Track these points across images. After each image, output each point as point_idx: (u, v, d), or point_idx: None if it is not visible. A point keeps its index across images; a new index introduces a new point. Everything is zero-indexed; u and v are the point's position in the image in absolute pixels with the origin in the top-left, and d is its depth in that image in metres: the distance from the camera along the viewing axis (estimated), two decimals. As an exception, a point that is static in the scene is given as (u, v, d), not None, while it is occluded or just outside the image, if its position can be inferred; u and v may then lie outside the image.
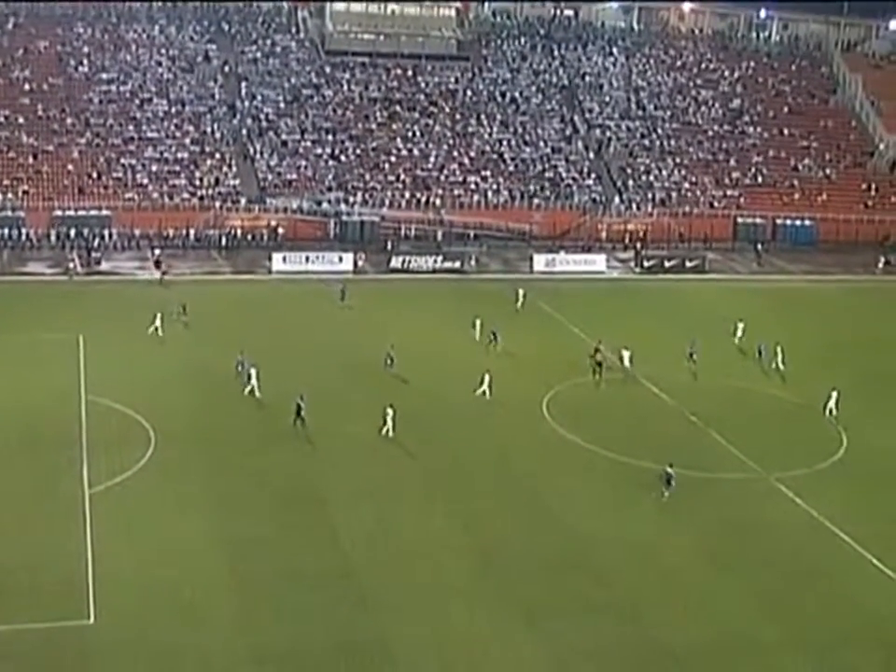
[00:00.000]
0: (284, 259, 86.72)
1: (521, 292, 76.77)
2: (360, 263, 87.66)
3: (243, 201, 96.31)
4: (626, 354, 62.86)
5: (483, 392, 57.09)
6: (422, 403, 55.53)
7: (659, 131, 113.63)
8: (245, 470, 47.57)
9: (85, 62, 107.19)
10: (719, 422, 55.52)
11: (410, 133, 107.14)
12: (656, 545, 42.75)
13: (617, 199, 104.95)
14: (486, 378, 57.22)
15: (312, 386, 55.69)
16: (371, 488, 46.45)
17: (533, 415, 55.90)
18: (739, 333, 69.56)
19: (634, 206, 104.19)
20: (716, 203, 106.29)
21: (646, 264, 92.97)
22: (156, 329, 65.70)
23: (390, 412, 51.33)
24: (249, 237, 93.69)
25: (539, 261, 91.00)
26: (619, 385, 61.49)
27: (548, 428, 54.31)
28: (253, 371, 55.93)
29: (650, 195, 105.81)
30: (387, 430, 51.32)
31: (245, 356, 57.95)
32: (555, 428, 54.21)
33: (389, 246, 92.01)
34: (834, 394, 56.80)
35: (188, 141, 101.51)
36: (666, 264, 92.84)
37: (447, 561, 40.71)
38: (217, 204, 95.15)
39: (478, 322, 67.60)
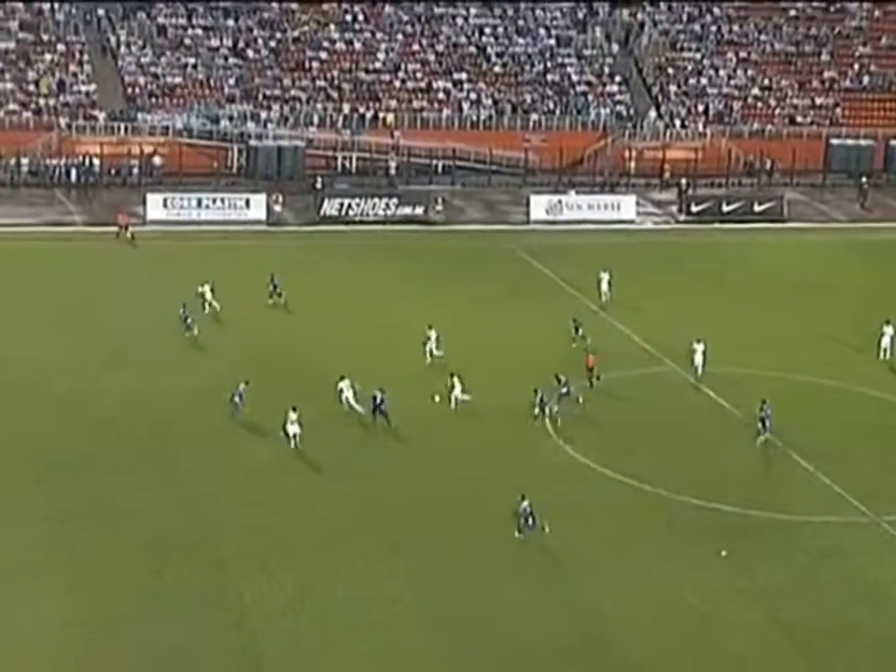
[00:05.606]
0: (164, 202, 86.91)
1: (605, 276, 73.03)
2: (277, 210, 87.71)
3: (101, 116, 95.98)
4: (699, 349, 62.27)
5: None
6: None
7: (715, 11, 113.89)
8: (93, 510, 47.46)
9: None
10: (804, 440, 55.55)
11: (349, 17, 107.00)
12: (716, 621, 42.46)
13: (653, 113, 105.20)
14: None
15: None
16: (285, 541, 46.13)
17: (529, 429, 56.02)
18: (887, 344, 66.73)
19: (678, 124, 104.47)
20: (800, 118, 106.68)
21: (694, 209, 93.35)
22: (209, 303, 68.02)
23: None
24: (112, 171, 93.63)
25: (539, 206, 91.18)
26: (652, 386, 61.70)
27: (551, 447, 54.56)
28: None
29: (700, 107, 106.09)
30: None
31: (243, 387, 56.78)
32: (561, 447, 54.47)
33: (319, 185, 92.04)
34: None
35: (14, 25, 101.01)
36: (725, 208, 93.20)
37: (407, 648, 40.35)
38: (63, 122, 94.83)
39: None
